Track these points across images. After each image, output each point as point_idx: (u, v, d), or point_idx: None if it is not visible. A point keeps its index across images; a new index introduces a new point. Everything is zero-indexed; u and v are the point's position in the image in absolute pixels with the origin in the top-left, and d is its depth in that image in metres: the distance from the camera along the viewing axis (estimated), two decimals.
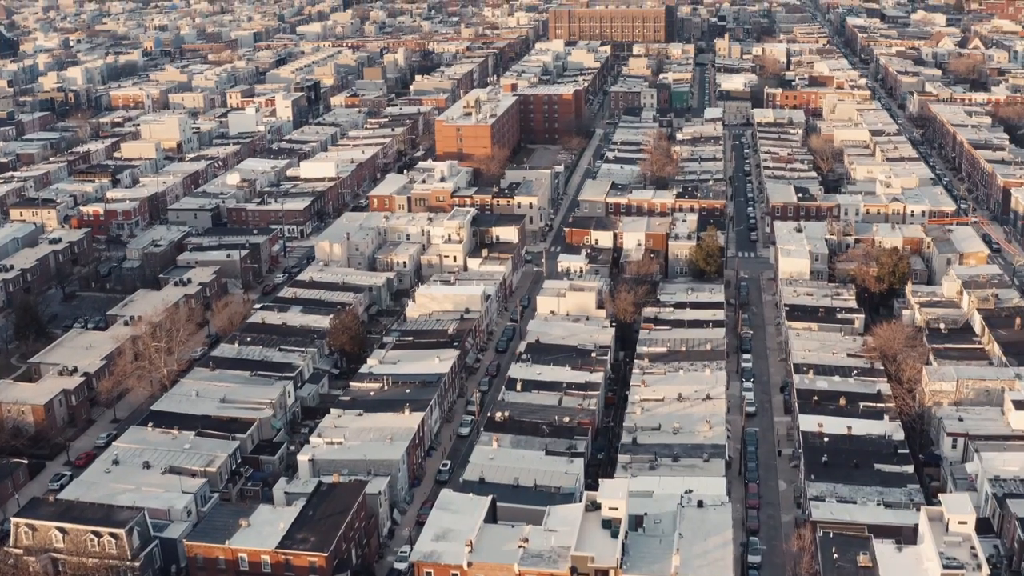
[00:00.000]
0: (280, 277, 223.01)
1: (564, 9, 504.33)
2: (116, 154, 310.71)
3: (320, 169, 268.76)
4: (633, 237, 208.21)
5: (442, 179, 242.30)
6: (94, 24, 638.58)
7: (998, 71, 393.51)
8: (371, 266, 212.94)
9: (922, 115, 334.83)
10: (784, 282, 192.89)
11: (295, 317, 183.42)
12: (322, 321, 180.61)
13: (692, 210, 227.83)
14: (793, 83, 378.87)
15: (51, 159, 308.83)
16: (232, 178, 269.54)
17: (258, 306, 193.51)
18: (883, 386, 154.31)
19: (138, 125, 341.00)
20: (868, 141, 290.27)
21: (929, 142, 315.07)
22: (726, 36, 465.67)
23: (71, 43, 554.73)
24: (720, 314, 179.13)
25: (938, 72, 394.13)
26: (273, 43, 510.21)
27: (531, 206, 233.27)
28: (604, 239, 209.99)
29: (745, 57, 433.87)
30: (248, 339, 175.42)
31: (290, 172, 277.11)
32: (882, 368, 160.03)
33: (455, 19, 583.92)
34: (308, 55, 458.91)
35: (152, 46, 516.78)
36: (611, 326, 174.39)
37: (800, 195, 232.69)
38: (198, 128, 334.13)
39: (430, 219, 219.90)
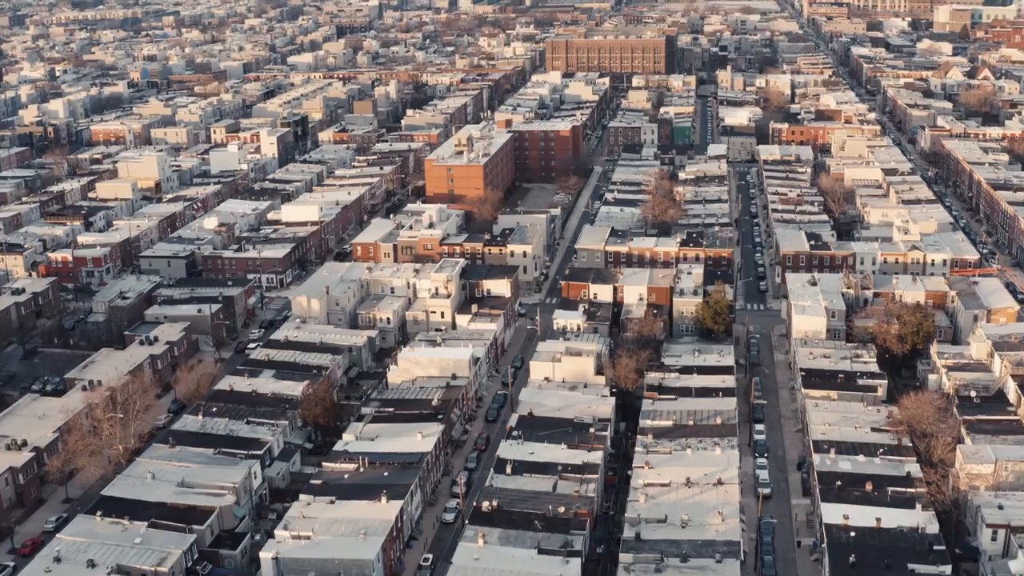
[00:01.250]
0: (256, 332, 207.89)
1: (561, 40, 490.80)
2: (91, 194, 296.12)
3: (303, 212, 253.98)
4: (634, 291, 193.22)
5: (430, 225, 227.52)
6: (83, 53, 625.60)
7: (1010, 103, 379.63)
8: (352, 322, 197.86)
9: (935, 151, 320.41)
10: (799, 342, 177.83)
11: (266, 383, 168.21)
12: (296, 388, 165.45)
13: (697, 259, 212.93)
14: (799, 116, 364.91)
15: (24, 199, 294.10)
16: (209, 222, 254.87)
17: (238, 365, 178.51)
18: (912, 467, 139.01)
19: (117, 162, 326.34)
20: (881, 181, 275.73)
21: (943, 180, 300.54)
22: (728, 67, 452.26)
23: (57, 73, 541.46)
24: (730, 380, 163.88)
25: (949, 105, 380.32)
26: (263, 74, 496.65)
27: (525, 255, 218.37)
28: (603, 293, 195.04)
29: (748, 89, 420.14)
30: (214, 409, 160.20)
31: (271, 215, 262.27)
32: (910, 445, 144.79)
33: (450, 49, 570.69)
34: (298, 87, 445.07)
35: (139, 77, 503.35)
36: (611, 395, 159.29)
37: (812, 243, 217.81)
38: (179, 166, 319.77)
39: (416, 271, 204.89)
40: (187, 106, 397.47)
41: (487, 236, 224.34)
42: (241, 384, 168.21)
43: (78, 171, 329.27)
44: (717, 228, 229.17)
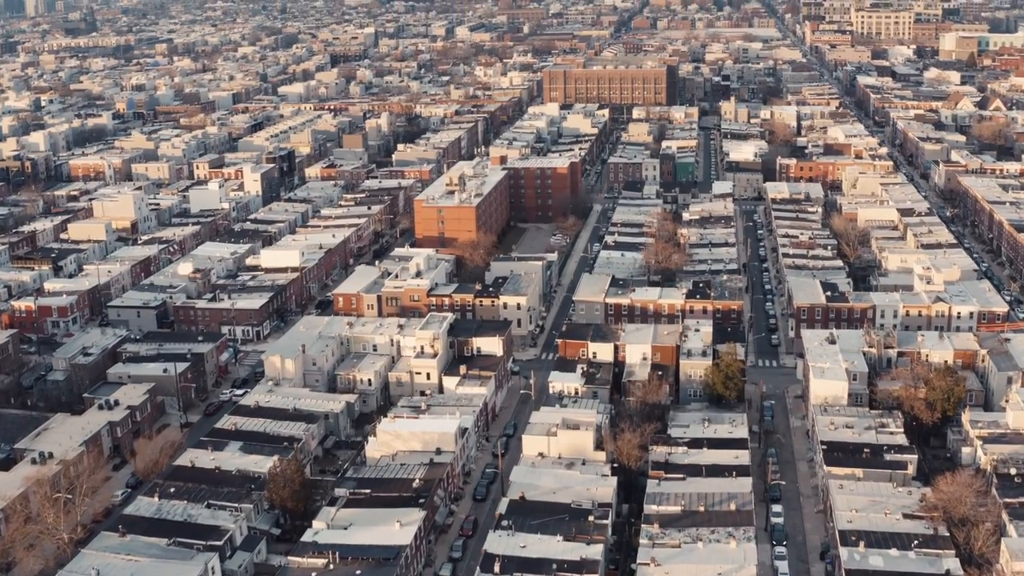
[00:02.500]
0: (227, 393, 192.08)
1: (559, 70, 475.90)
2: (64, 235, 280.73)
3: (283, 258, 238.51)
4: (637, 350, 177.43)
5: (418, 274, 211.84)
6: (71, 83, 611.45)
7: None
8: (331, 384, 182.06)
9: (951, 189, 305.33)
10: (818, 409, 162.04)
11: (232, 459, 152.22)
12: (264, 464, 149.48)
13: (705, 312, 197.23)
14: (806, 151, 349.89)
15: None
16: (184, 267, 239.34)
17: (202, 436, 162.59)
18: (951, 562, 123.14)
19: (95, 199, 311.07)
20: (897, 222, 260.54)
21: (961, 220, 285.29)
22: (732, 98, 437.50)
23: (42, 103, 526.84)
24: (744, 456, 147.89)
25: (962, 138, 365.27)
26: (252, 105, 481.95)
27: (519, 307, 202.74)
28: (603, 352, 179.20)
29: (752, 121, 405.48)
30: (171, 489, 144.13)
31: (250, 260, 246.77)
32: (948, 535, 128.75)
33: (445, 78, 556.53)
34: (287, 119, 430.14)
35: (125, 108, 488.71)
36: (612, 473, 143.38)
37: (828, 294, 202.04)
38: (157, 205, 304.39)
39: (400, 327, 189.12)
40: (171, 139, 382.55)
41: (478, 286, 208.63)
42: (204, 459, 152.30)
43: (53, 209, 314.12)
44: (725, 277, 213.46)
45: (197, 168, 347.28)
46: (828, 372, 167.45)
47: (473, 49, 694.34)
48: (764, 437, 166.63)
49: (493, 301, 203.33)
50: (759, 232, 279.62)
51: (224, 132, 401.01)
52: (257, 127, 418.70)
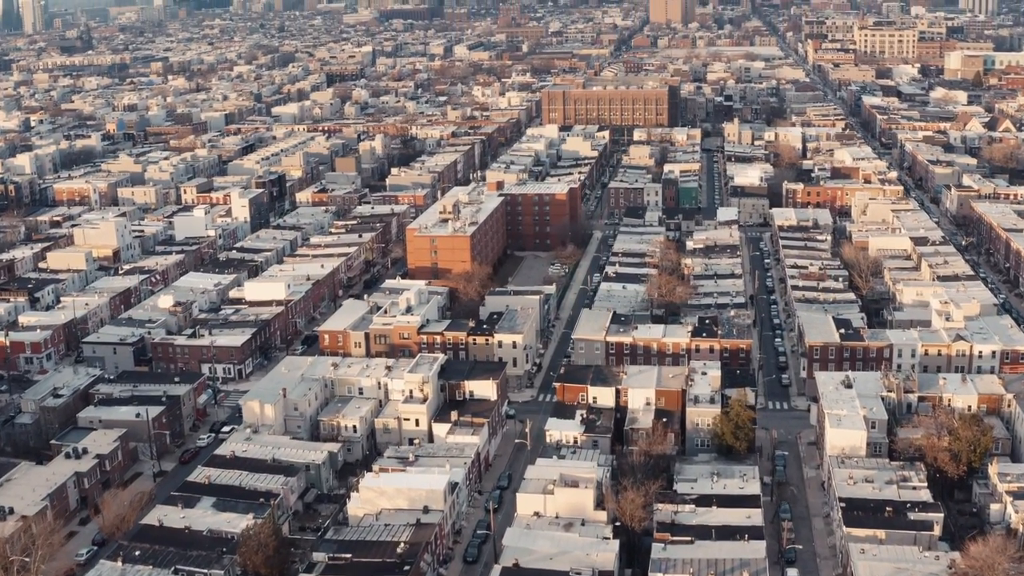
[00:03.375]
0: (204, 438, 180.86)
1: (558, 90, 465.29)
2: (43, 264, 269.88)
3: (268, 290, 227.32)
4: (640, 395, 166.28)
5: (408, 309, 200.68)
6: (62, 102, 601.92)
7: None
8: (313, 431, 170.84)
9: (964, 215, 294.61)
10: (835, 461, 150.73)
11: (204, 517, 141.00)
12: (237, 523, 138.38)
13: (711, 352, 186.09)
14: (813, 174, 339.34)
15: None
16: (164, 300, 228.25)
17: (173, 490, 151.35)
18: None
19: (77, 225, 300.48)
20: (910, 251, 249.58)
21: (976, 248, 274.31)
22: (735, 120, 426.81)
23: (32, 124, 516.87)
24: (757, 516, 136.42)
25: (972, 161, 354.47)
26: (244, 126, 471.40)
27: (515, 345, 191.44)
28: (604, 397, 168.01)
29: (757, 143, 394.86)
30: (136, 553, 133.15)
31: (234, 292, 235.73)
32: None
33: (443, 99, 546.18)
34: (279, 141, 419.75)
35: (115, 129, 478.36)
36: (614, 535, 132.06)
37: (842, 331, 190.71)
38: (141, 231, 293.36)
39: (388, 368, 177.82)
40: (158, 162, 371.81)
41: (471, 323, 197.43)
42: (174, 517, 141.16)
43: (34, 236, 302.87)
44: (732, 312, 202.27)
45: (184, 192, 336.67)
46: (845, 420, 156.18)
47: (471, 68, 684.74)
48: (777, 489, 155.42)
49: (487, 339, 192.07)
50: (766, 261, 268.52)
51: (214, 155, 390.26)
52: (249, 149, 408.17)
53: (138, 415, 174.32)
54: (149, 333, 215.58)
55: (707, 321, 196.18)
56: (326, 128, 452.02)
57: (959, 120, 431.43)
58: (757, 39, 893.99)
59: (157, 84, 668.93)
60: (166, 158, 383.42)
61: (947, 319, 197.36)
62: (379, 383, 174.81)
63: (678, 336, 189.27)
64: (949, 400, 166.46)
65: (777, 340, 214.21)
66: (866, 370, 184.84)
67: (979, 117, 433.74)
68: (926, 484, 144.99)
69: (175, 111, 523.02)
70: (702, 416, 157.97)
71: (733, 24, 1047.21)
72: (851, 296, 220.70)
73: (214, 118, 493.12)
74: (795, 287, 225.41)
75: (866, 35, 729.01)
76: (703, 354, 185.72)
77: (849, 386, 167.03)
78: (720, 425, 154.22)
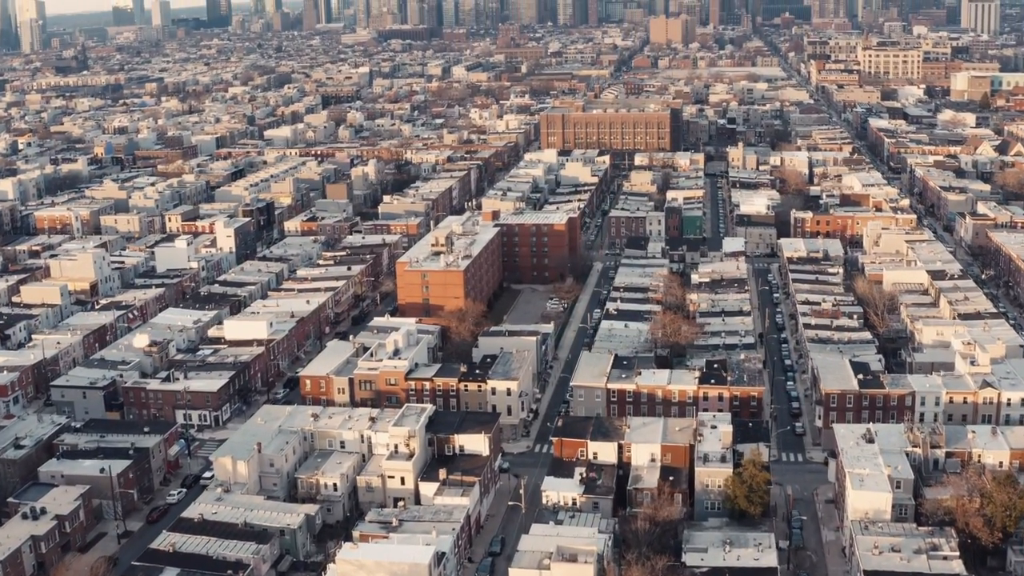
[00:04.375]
0: (175, 494, 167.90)
1: (557, 113, 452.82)
2: (16, 297, 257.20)
3: (249, 329, 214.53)
4: (645, 451, 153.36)
5: (396, 352, 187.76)
6: (53, 124, 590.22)
7: None
8: (291, 489, 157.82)
9: (979, 245, 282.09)
10: (857, 526, 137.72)
11: None
12: None
13: (720, 400, 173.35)
14: (820, 201, 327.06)
15: None
16: (140, 339, 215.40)
17: (133, 560, 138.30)
18: None
19: (56, 255, 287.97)
20: (928, 286, 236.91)
21: (995, 281, 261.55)
22: (739, 144, 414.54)
23: (20, 147, 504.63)
24: None
25: (985, 187, 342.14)
26: (235, 150, 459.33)
27: (509, 393, 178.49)
28: (605, 452, 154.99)
29: (762, 168, 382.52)
30: None
31: (214, 330, 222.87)
32: None
33: (439, 122, 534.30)
34: (269, 166, 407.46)
35: (103, 152, 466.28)
36: None
37: (860, 377, 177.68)
38: (122, 263, 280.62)
39: (373, 419, 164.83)
40: (144, 189, 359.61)
41: (463, 368, 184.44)
42: None
43: (11, 267, 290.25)
44: (742, 355, 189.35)
45: (169, 221, 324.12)
46: (868, 481, 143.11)
47: (469, 90, 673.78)
48: (793, 556, 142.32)
49: (480, 386, 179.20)
50: (775, 296, 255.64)
51: (202, 180, 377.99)
52: (238, 174, 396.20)
53: (102, 470, 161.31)
54: (121, 376, 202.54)
55: (715, 366, 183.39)
56: (319, 152, 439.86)
57: (969, 144, 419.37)
58: (759, 59, 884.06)
59: (150, 106, 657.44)
60: (152, 184, 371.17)
61: (972, 363, 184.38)
62: (362, 436, 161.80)
63: (685, 383, 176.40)
64: (979, 456, 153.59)
65: (789, 384, 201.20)
66: (886, 419, 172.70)
67: (989, 140, 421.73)
68: (958, 553, 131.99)
69: (166, 134, 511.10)
70: (712, 477, 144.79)
71: (734, 44, 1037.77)
72: (867, 335, 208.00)
73: (205, 141, 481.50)
74: (807, 325, 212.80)
75: (870, 55, 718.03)
76: (712, 402, 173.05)
77: (871, 440, 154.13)
78: (732, 488, 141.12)
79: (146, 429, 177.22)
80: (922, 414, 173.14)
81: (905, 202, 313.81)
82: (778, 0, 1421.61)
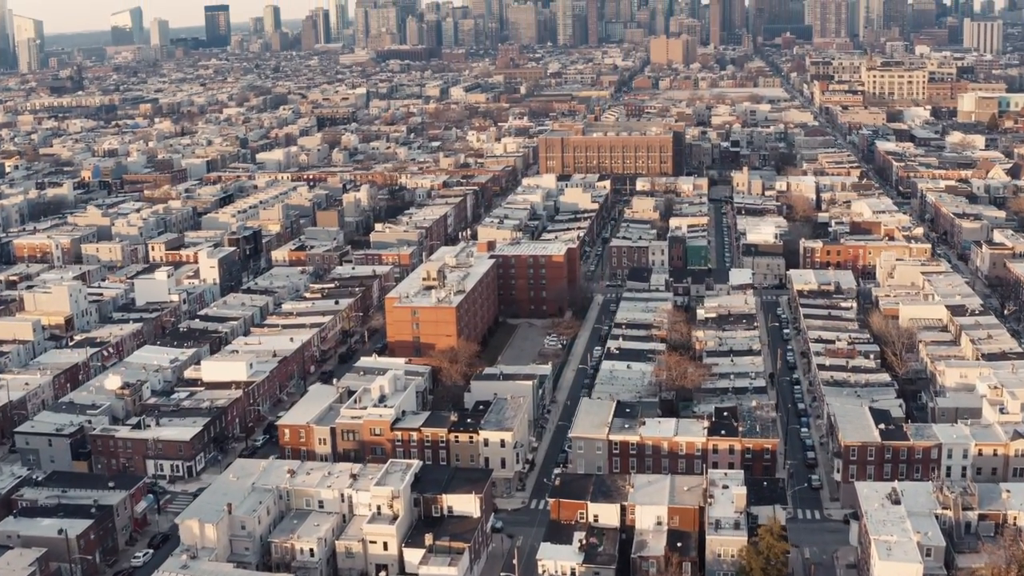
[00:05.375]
0: (142, 556, 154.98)
1: (556, 137, 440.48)
2: None
3: (227, 370, 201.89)
4: (650, 513, 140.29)
5: (382, 398, 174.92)
6: (42, 146, 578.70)
7: None
8: (264, 554, 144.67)
9: (997, 275, 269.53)
10: None
11: None
12: None
13: (731, 453, 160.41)
14: (830, 228, 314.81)
15: None
16: (112, 381, 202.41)
17: None
18: None
19: (34, 286, 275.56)
20: (947, 322, 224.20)
21: (1017, 316, 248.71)
22: (744, 168, 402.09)
23: (7, 170, 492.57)
24: None
25: (1000, 213, 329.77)
26: (225, 174, 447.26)
27: (503, 444, 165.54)
28: (607, 515, 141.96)
29: (768, 193, 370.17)
30: None
31: (191, 371, 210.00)
32: None
33: (436, 144, 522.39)
34: (260, 191, 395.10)
35: (90, 176, 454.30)
36: None
37: (882, 427, 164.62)
38: (100, 295, 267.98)
39: (354, 476, 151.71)
40: (128, 215, 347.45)
41: (453, 417, 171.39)
42: None
43: None
44: (753, 402, 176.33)
45: (152, 249, 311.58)
46: (896, 549, 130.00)
47: (467, 112, 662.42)
48: None
49: (472, 437, 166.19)
50: (785, 331, 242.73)
51: (188, 207, 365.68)
52: (227, 200, 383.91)
53: (61, 531, 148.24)
54: (90, 422, 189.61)
55: (725, 414, 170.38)
56: (311, 177, 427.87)
57: (980, 167, 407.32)
58: (761, 80, 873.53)
59: (142, 127, 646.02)
60: (137, 210, 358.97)
61: (1001, 410, 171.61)
62: (342, 495, 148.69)
63: (693, 434, 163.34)
64: (1015, 518, 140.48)
65: (804, 431, 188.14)
66: (910, 473, 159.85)
67: (1000, 163, 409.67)
68: None
69: (156, 157, 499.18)
70: (725, 546, 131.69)
71: (735, 65, 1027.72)
72: (885, 377, 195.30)
73: (195, 165, 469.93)
74: (821, 366, 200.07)
75: (874, 76, 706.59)
76: (722, 455, 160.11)
77: (897, 502, 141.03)
78: (748, 559, 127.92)
79: (111, 484, 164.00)
80: (948, 468, 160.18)
81: (919, 230, 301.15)
82: (779, 19, 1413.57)
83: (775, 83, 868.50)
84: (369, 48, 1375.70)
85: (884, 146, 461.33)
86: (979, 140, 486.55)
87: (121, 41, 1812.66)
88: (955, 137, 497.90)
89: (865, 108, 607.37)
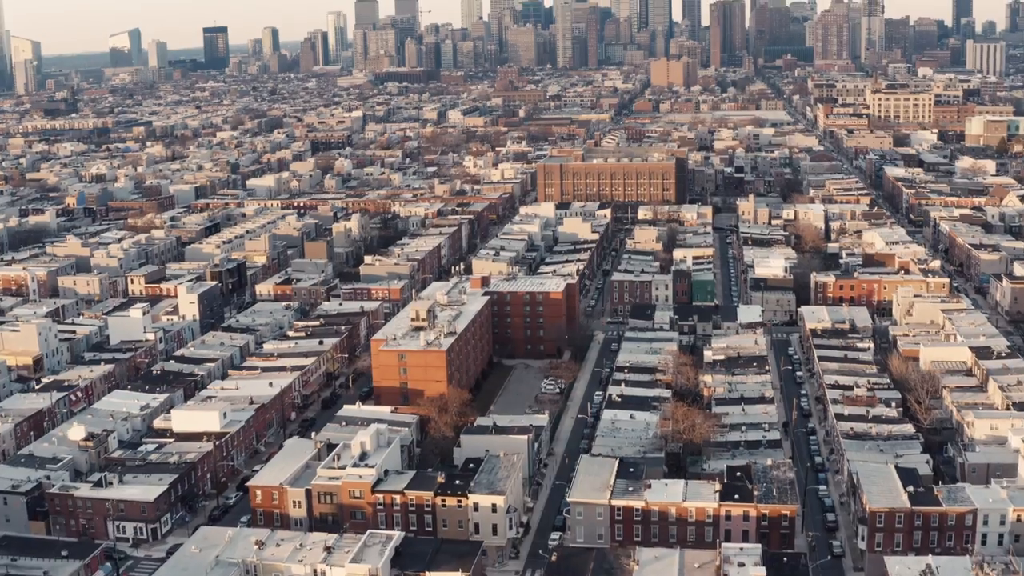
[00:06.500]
0: None
1: (555, 163, 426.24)
2: None
3: (199, 420, 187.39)
4: None
5: (363, 456, 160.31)
6: (31, 171, 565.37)
7: None
8: None
9: (1020, 311, 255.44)
10: None
11: None
12: None
13: (746, 519, 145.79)
14: (841, 260, 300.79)
15: None
16: (76, 431, 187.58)
17: None
18: None
19: (4, 323, 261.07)
20: (971, 365, 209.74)
21: None
22: (750, 196, 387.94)
23: None
24: None
25: (1018, 244, 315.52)
26: (214, 201, 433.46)
27: (495, 509, 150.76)
28: None
29: (775, 222, 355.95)
30: None
31: (161, 420, 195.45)
32: None
33: (431, 170, 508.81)
34: (247, 220, 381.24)
35: (75, 203, 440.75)
36: None
37: (910, 490, 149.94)
38: (72, 333, 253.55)
39: (328, 549, 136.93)
40: (108, 245, 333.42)
41: (440, 478, 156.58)
42: None
43: None
44: (770, 462, 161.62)
45: (132, 282, 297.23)
46: None
47: (464, 135, 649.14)
48: None
49: (460, 501, 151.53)
50: (798, 374, 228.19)
51: (172, 236, 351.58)
52: (213, 229, 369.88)
53: None
54: (48, 478, 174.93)
55: (738, 474, 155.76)
56: (301, 204, 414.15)
57: (994, 194, 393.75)
58: (763, 102, 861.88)
59: (132, 151, 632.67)
60: (119, 240, 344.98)
61: None
62: (315, 571, 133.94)
63: (703, 498, 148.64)
64: None
65: (822, 488, 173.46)
66: (942, 541, 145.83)
67: (1014, 190, 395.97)
68: None
69: (143, 183, 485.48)
70: None
71: (736, 87, 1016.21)
72: (909, 429, 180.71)
73: (183, 191, 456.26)
74: (840, 415, 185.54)
75: (880, 99, 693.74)
76: (735, 523, 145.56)
77: None
78: None
79: (64, 553, 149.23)
80: (984, 536, 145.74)
81: (936, 263, 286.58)
82: (779, 41, 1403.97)
83: (777, 105, 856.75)
84: (367, 70, 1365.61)
85: (893, 172, 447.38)
86: (990, 165, 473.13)
87: (119, 63, 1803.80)
88: (965, 162, 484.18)
89: (871, 132, 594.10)
